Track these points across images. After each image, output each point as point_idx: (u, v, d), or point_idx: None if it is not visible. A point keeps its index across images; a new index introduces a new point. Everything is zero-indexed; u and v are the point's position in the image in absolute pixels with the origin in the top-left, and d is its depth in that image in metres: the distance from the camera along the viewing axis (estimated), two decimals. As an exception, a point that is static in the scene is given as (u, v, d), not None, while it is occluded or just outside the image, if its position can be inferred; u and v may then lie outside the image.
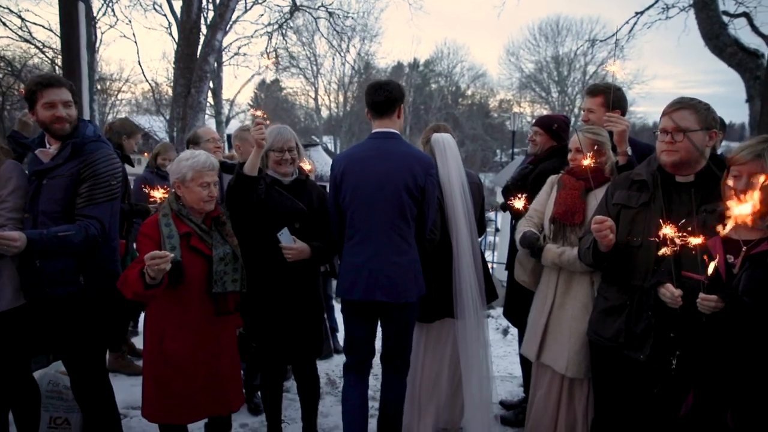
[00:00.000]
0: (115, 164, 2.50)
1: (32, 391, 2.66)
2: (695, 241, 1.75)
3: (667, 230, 1.81)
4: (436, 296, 2.94)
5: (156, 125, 23.16)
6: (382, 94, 2.69)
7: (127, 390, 3.51)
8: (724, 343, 1.80)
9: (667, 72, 61.31)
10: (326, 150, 30.90)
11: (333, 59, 32.76)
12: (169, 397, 2.43)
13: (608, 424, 2.38)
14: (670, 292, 1.82)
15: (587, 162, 2.26)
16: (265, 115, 2.55)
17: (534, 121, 3.54)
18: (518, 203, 2.92)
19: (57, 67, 13.29)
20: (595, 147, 2.59)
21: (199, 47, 8.34)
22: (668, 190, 2.14)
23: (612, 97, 2.85)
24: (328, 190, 2.97)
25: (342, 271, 2.75)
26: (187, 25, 8.43)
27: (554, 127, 3.21)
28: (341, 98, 35.25)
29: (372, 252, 2.63)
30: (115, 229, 2.57)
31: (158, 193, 2.73)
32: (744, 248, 1.81)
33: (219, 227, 2.51)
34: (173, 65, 8.62)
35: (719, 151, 3.60)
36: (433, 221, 2.85)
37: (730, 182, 1.88)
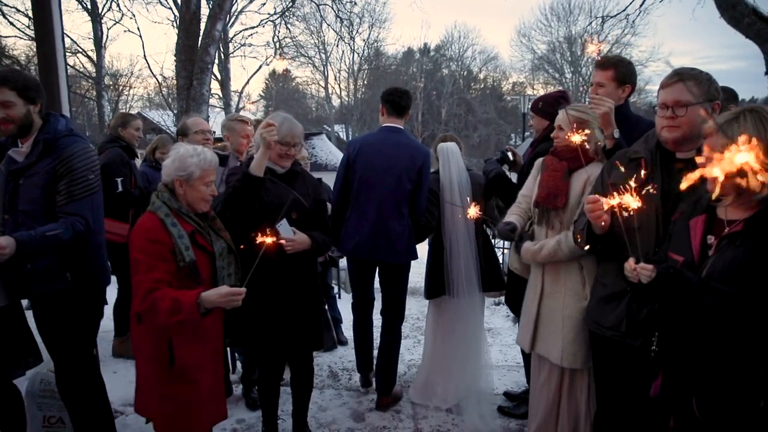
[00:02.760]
0: (92, 157, 2.43)
1: (13, 397, 2.62)
2: (633, 204, 1.58)
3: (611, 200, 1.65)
4: (433, 277, 3.49)
5: (170, 120, 23.31)
6: (406, 100, 3.40)
7: (124, 387, 3.47)
8: (690, 327, 1.65)
9: (683, 48, 59.04)
10: (338, 139, 30.83)
11: (339, 46, 32.42)
12: (190, 417, 2.29)
13: (612, 419, 2.25)
14: (629, 265, 1.66)
15: (558, 141, 2.09)
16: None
17: (530, 106, 3.41)
18: (471, 211, 2.94)
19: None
20: (576, 125, 2.40)
21: (200, 38, 8.26)
22: (668, 168, 1.99)
23: (624, 71, 2.66)
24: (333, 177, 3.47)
25: (349, 235, 3.34)
26: (186, 16, 8.33)
27: (539, 105, 3.05)
28: (352, 86, 34.95)
29: (374, 221, 3.26)
30: (99, 223, 2.51)
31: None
32: (727, 229, 1.63)
33: (210, 223, 2.42)
34: (174, 57, 8.54)
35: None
36: (426, 208, 3.40)
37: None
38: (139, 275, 2.13)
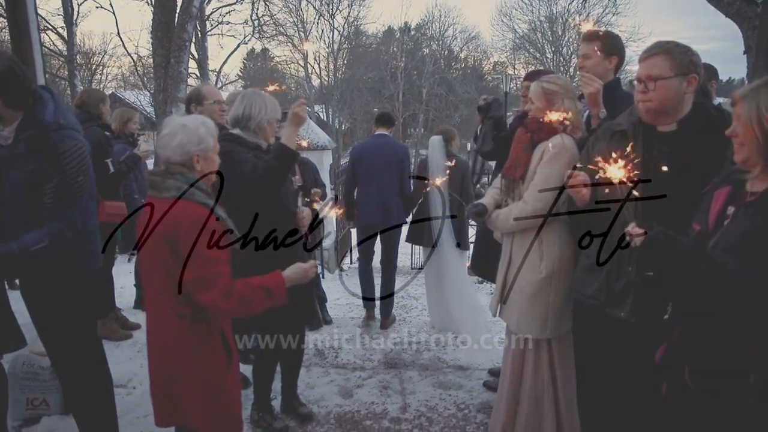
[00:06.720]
0: (84, 157, 2.24)
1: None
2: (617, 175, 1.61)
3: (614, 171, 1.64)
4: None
5: (145, 100, 22.72)
6: (387, 117, 5.13)
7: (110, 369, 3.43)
8: (684, 294, 1.65)
9: (664, 28, 59.04)
10: (319, 119, 30.45)
11: (319, 24, 31.78)
12: (238, 408, 2.17)
13: (592, 387, 2.31)
14: (627, 230, 1.61)
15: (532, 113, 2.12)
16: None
17: (524, 77, 3.44)
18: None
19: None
20: (548, 97, 2.45)
21: (177, 15, 8.02)
22: (649, 141, 2.01)
23: (610, 42, 2.64)
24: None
25: (360, 208, 4.89)
26: (162, -8, 8.07)
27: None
28: (332, 66, 34.42)
29: (374, 198, 4.76)
30: (87, 215, 2.38)
31: None
32: (748, 200, 1.57)
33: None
34: (150, 35, 8.28)
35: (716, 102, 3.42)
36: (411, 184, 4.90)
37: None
38: (201, 270, 1.86)
